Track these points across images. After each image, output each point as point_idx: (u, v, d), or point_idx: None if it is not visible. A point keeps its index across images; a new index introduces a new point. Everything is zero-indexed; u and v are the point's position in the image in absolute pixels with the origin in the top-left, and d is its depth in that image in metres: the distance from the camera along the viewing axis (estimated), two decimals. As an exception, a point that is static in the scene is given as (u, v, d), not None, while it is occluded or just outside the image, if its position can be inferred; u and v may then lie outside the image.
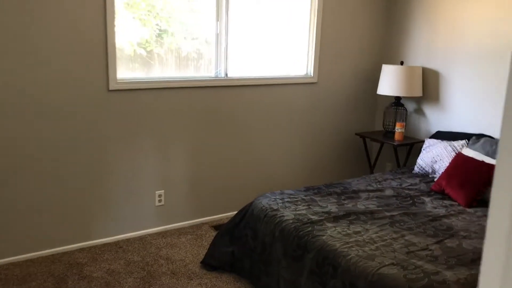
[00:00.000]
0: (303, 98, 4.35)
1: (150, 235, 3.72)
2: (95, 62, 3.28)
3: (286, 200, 3.12)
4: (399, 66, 4.20)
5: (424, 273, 2.23)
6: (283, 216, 2.88)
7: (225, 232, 3.21)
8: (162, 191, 3.75)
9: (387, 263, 2.32)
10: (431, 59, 4.26)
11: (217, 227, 3.89)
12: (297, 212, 2.93)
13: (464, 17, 3.95)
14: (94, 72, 3.29)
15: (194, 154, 3.85)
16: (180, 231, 3.80)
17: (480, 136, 3.81)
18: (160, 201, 3.76)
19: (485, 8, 3.79)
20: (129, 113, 3.49)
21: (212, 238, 3.60)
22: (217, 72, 3.90)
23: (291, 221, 2.81)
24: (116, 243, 3.56)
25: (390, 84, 4.24)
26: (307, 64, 4.36)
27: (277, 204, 3.05)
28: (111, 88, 3.37)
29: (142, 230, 3.72)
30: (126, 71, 3.50)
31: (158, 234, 3.74)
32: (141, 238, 3.66)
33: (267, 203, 3.07)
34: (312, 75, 4.35)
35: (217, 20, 3.81)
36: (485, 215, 3.05)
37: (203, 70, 3.86)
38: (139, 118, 3.54)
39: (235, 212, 4.14)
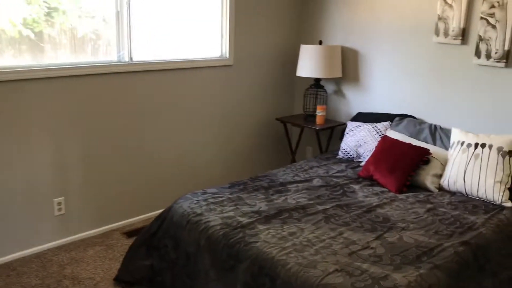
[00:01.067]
0: (219, 82, 3.98)
1: (50, 250, 3.17)
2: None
3: (210, 201, 2.76)
4: (318, 46, 3.98)
5: (372, 279, 2.01)
6: (209, 221, 2.52)
7: (141, 243, 2.78)
8: (61, 198, 3.20)
9: (331, 270, 2.07)
10: (350, 37, 4.09)
11: (130, 233, 3.44)
12: (224, 214, 2.59)
13: (382, -6, 3.80)
14: (-37, 59, 2.65)
15: (96, 152, 3.33)
16: (86, 243, 3.29)
17: (402, 116, 3.73)
18: (60, 209, 3.21)
19: (403, -16, 3.66)
20: (13, 109, 2.89)
21: (126, 247, 3.16)
22: (119, 55, 3.39)
23: (218, 227, 2.46)
24: (8, 265, 2.98)
25: (309, 65, 4.01)
26: (222, 45, 3.98)
27: (201, 207, 2.68)
28: (-13, 79, 2.74)
29: (40, 246, 3.16)
30: (9, 57, 2.88)
31: (60, 248, 3.20)
32: (39, 256, 3.10)
33: (188, 206, 2.69)
34: (227, 56, 3.99)
35: (117, -5, 3.28)
36: (417, 201, 2.94)
37: (104, 54, 3.33)
38: (27, 114, 2.95)
39: (150, 214, 3.72)
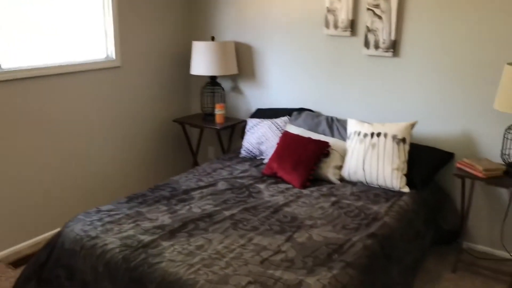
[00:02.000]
0: (107, 86, 3.66)
1: None
2: None
3: (106, 220, 2.50)
4: (211, 42, 3.83)
5: (286, 287, 1.93)
6: (106, 244, 2.27)
7: (29, 275, 2.45)
8: None
9: (244, 284, 1.95)
10: (243, 32, 3.99)
11: (16, 263, 3.04)
12: (123, 234, 2.36)
13: (271, -13, 3.75)
14: None
15: (-32, 175, 2.89)
16: (-37, 281, 2.85)
17: (300, 110, 3.73)
18: None
19: (291, -23, 3.64)
20: None
21: (12, 280, 2.78)
22: (-14, 63, 2.95)
23: (117, 250, 2.23)
24: None
25: (203, 63, 3.85)
26: (107, 46, 3.66)
27: (95, 228, 2.42)
28: None
29: None
30: None
31: None
32: None
33: (81, 229, 2.42)
34: (114, 58, 3.68)
35: (-25, -6, 2.85)
36: (322, 195, 2.93)
37: (-35, 63, 2.88)
38: None
39: (39, 238, 3.33)
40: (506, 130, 2.83)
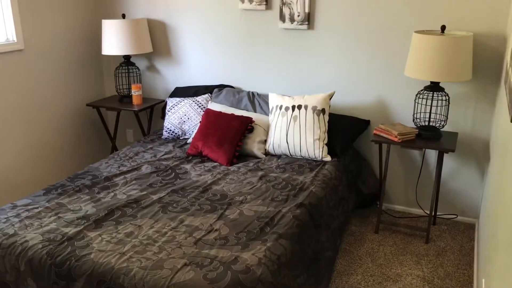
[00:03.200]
0: (9, 72, 3.37)
1: None
2: None
3: (24, 215, 2.33)
4: (122, 20, 3.64)
5: (223, 265, 1.93)
6: (27, 241, 2.12)
7: None
8: None
9: (179, 266, 1.92)
10: (155, 9, 3.84)
11: None
12: (45, 229, 2.22)
13: (182, -39, 3.63)
14: None
15: None
16: None
17: (221, 87, 3.69)
18: None
19: (202, -49, 3.54)
20: None
21: None
22: None
23: (40, 245, 2.09)
24: None
25: (115, 42, 3.67)
26: (5, 28, 3.35)
27: (13, 225, 2.25)
28: None
29: None
30: None
31: None
32: None
33: (-4, 228, 2.23)
34: (15, 40, 3.38)
35: None
36: (249, 170, 2.95)
37: None
38: None
39: None
40: (416, 95, 3.01)
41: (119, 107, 3.81)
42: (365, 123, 3.34)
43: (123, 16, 3.83)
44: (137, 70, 3.93)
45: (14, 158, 3.47)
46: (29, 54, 3.49)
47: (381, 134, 3.05)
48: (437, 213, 3.38)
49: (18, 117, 3.47)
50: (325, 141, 3.12)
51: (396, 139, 2.94)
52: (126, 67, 3.88)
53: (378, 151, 3.31)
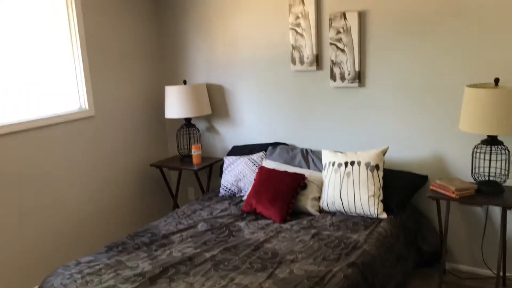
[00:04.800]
0: (82, 136, 3.68)
1: None
2: None
3: (86, 272, 2.48)
4: (183, 86, 3.90)
5: (269, 325, 1.92)
6: (86, 297, 2.25)
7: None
8: None
9: (226, 325, 1.94)
10: (213, 74, 4.08)
11: (-3, 324, 2.97)
12: (103, 285, 2.34)
13: (238, 29, 3.86)
14: None
15: None
16: None
17: (275, 145, 3.78)
18: None
19: (257, 18, 3.76)
20: None
21: None
22: (-42, 123, 2.96)
23: (97, 302, 2.20)
24: None
25: (177, 106, 3.91)
26: (79, 97, 3.70)
27: (75, 281, 2.39)
28: None
29: None
30: None
31: None
32: None
33: (61, 283, 2.38)
34: (87, 108, 3.71)
35: None
36: (302, 228, 2.95)
37: None
38: None
39: (20, 296, 3.26)
40: (473, 149, 2.92)
41: (180, 167, 4.00)
42: (422, 179, 3.26)
43: (184, 82, 4.09)
44: (197, 131, 4.13)
45: (83, 214, 3.71)
46: (99, 120, 3.80)
47: (438, 190, 2.96)
48: (506, 274, 3.15)
49: (88, 176, 3.74)
50: (381, 198, 3.07)
51: (453, 195, 2.84)
52: (187, 129, 4.10)
53: (436, 207, 3.19)
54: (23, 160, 3.26)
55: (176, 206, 4.22)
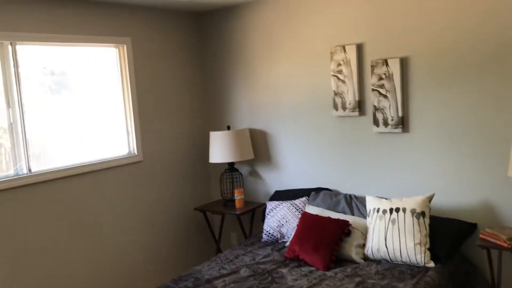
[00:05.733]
0: (130, 180, 3.82)
1: None
2: None
3: (130, 316, 2.52)
4: (227, 132, 4.01)
5: None
6: None
7: None
8: None
9: None
10: (256, 119, 4.18)
11: None
12: (148, 330, 2.36)
13: (280, 75, 3.97)
14: None
15: (11, 274, 2.99)
16: None
17: (318, 190, 3.78)
18: None
19: (298, 65, 3.85)
20: None
21: None
22: (17, 168, 3.15)
23: None
24: None
25: (221, 151, 4.01)
26: (129, 142, 3.87)
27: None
28: None
29: None
30: None
31: None
32: None
33: (107, 327, 2.43)
34: (136, 153, 3.87)
35: (8, 107, 3.11)
36: (346, 276, 2.90)
37: (4, 165, 3.09)
38: None
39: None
40: (525, 196, 2.82)
41: (223, 211, 4.05)
42: (471, 227, 3.15)
43: (228, 128, 4.20)
44: (240, 175, 4.20)
45: (129, 258, 3.79)
46: (146, 164, 3.94)
47: (489, 238, 2.85)
48: None
49: (135, 220, 3.84)
50: (427, 246, 2.99)
51: (505, 244, 2.73)
52: (230, 173, 4.17)
53: (487, 257, 3.06)
54: (75, 202, 3.41)
55: (219, 250, 4.24)
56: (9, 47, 3.10)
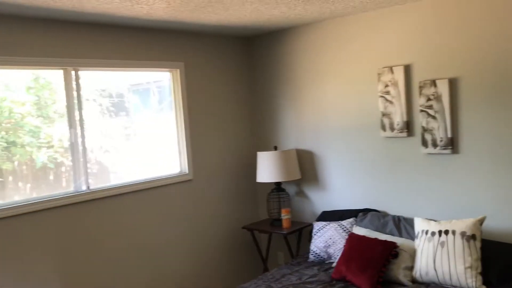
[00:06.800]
0: (181, 198, 3.97)
1: None
2: None
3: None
4: (274, 152, 4.09)
5: None
6: None
7: None
8: None
9: None
10: (303, 140, 4.24)
11: None
12: None
13: (327, 96, 4.02)
14: None
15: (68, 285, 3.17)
16: None
17: (366, 211, 3.76)
18: None
19: (345, 86, 3.90)
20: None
21: None
22: (77, 185, 3.36)
23: None
24: None
25: (268, 171, 4.08)
26: (180, 162, 4.03)
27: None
28: None
29: None
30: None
31: None
32: None
33: None
34: (187, 172, 4.02)
35: (70, 127, 3.34)
36: (393, 299, 2.87)
37: (64, 182, 3.30)
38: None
39: None
40: None
41: (270, 230, 4.10)
42: (526, 251, 3.04)
43: (275, 148, 4.28)
44: (287, 195, 4.25)
45: (179, 274, 3.91)
46: (196, 183, 4.08)
47: (545, 264, 2.74)
48: None
49: (184, 237, 3.97)
50: (479, 270, 2.91)
51: None
52: (277, 193, 4.23)
53: (545, 283, 2.94)
54: (130, 218, 3.58)
55: (266, 269, 4.28)
56: (73, 72, 3.34)
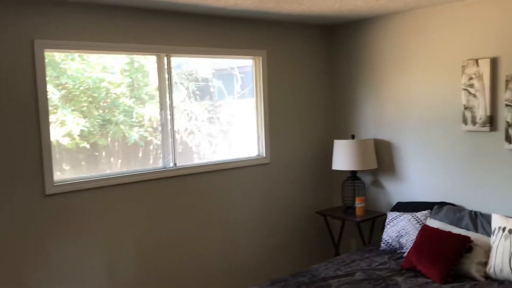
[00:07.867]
0: (258, 180, 4.17)
1: None
2: (28, 163, 2.98)
3: (252, 299, 2.81)
4: (351, 140, 4.15)
5: None
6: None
7: None
8: (112, 302, 3.34)
9: None
10: (381, 130, 4.25)
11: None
12: (266, 313, 2.63)
13: (408, 88, 4.00)
14: (27, 175, 2.98)
15: (148, 255, 3.51)
16: None
17: (441, 204, 3.73)
18: (110, 313, 3.33)
19: (427, 78, 3.86)
20: (70, 220, 3.15)
21: None
22: (165, 162, 3.67)
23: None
24: None
25: (344, 159, 4.16)
26: (258, 145, 4.23)
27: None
28: (47, 192, 3.05)
29: None
30: (67, 168, 3.22)
31: None
32: None
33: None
34: (264, 155, 4.21)
35: (161, 109, 3.64)
36: (463, 292, 2.87)
37: (151, 160, 3.63)
38: (83, 223, 3.21)
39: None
40: None
41: (344, 217, 4.19)
42: None
43: (353, 137, 4.34)
44: (362, 184, 4.30)
45: (252, 251, 4.14)
46: (273, 167, 4.26)
47: None
48: None
49: (259, 217, 4.18)
50: (559, 272, 2.82)
51: None
52: (352, 181, 4.30)
53: None
54: (210, 196, 3.86)
55: (337, 254, 4.39)
56: (165, 58, 3.63)
